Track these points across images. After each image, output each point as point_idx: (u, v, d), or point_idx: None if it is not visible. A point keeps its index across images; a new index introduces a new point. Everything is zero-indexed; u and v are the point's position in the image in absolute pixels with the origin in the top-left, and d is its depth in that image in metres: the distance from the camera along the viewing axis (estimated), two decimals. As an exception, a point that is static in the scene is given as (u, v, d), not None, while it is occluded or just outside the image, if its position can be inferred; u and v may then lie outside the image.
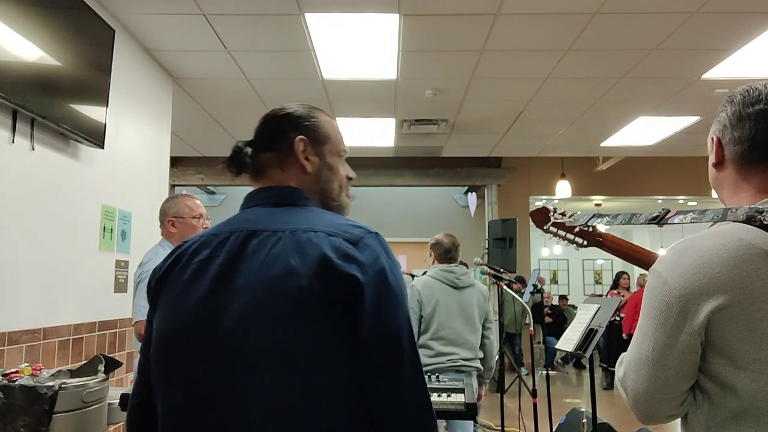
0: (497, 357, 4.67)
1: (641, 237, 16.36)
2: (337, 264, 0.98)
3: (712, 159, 1.12)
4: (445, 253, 3.41)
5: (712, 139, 1.12)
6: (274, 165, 1.14)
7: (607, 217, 1.37)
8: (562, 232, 1.80)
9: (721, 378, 0.97)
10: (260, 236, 1.03)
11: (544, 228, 1.80)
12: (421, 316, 3.22)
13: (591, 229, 1.73)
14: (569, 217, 1.76)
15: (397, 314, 1.01)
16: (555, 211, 1.79)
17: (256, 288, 0.99)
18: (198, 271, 1.04)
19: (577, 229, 1.76)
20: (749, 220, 0.96)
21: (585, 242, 1.76)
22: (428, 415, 1.03)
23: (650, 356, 1.03)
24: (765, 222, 0.95)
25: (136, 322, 2.55)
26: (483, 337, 3.39)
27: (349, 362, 0.98)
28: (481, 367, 3.35)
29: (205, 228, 2.77)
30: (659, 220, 1.13)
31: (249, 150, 1.14)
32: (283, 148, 1.14)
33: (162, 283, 1.09)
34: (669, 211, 1.13)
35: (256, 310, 0.99)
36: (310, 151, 1.15)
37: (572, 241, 1.79)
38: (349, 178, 1.22)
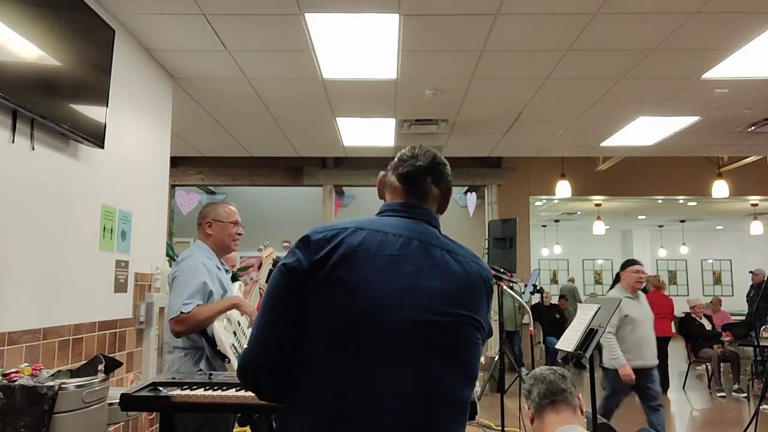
0: (496, 357, 4.66)
1: (641, 236, 16.37)
2: (486, 280, 1.36)
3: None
4: None
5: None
6: (436, 199, 1.46)
7: None
8: None
9: None
10: (438, 251, 1.32)
11: None
12: None
13: None
14: None
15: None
16: None
17: (443, 294, 1.26)
18: (392, 264, 1.27)
19: None
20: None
21: None
22: None
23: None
24: None
25: (172, 318, 2.51)
26: None
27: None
28: None
29: (239, 234, 2.85)
30: None
31: (431, 179, 1.44)
32: (444, 191, 1.48)
33: (342, 262, 1.26)
34: None
35: (438, 312, 1.24)
36: None
37: None
38: None
